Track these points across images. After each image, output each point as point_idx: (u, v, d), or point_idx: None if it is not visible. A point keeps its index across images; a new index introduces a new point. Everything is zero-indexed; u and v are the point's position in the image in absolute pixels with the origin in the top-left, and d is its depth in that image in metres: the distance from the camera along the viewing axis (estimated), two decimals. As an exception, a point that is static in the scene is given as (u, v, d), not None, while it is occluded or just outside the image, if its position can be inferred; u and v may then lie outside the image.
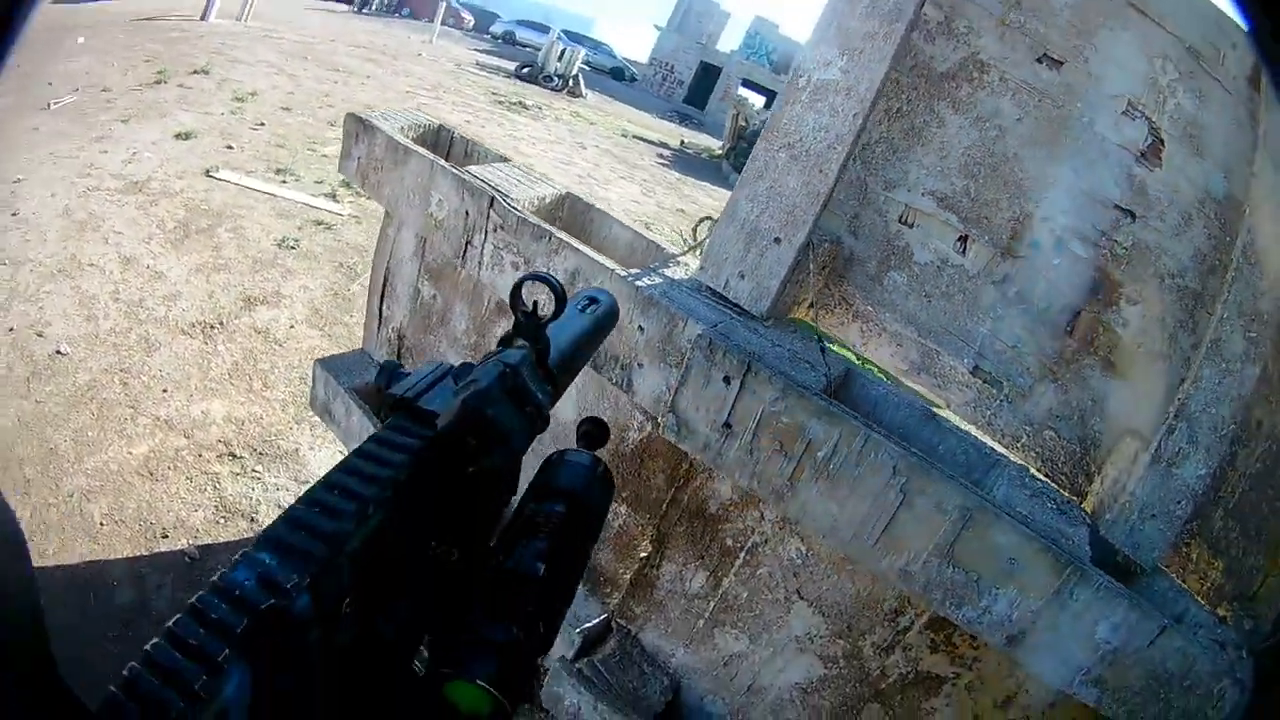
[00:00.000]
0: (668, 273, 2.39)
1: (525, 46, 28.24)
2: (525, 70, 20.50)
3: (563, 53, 20.71)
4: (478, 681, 0.48)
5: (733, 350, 1.99)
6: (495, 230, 2.65)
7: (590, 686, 2.62)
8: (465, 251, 2.79)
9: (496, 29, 31.57)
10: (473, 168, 3.03)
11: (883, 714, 2.47)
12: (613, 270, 2.30)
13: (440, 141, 3.69)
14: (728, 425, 2.03)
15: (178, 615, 0.35)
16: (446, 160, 3.21)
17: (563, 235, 2.47)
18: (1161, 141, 2.34)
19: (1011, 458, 2.45)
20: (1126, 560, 2.14)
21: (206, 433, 4.97)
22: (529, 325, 0.62)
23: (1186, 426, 2.12)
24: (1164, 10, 2.29)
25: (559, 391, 0.67)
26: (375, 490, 0.45)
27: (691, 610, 2.62)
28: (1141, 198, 2.36)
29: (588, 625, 2.70)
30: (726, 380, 2.00)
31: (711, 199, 14.25)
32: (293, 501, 0.43)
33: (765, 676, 2.59)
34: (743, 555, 2.47)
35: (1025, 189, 2.44)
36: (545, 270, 2.42)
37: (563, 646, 2.71)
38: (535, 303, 0.63)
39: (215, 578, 0.37)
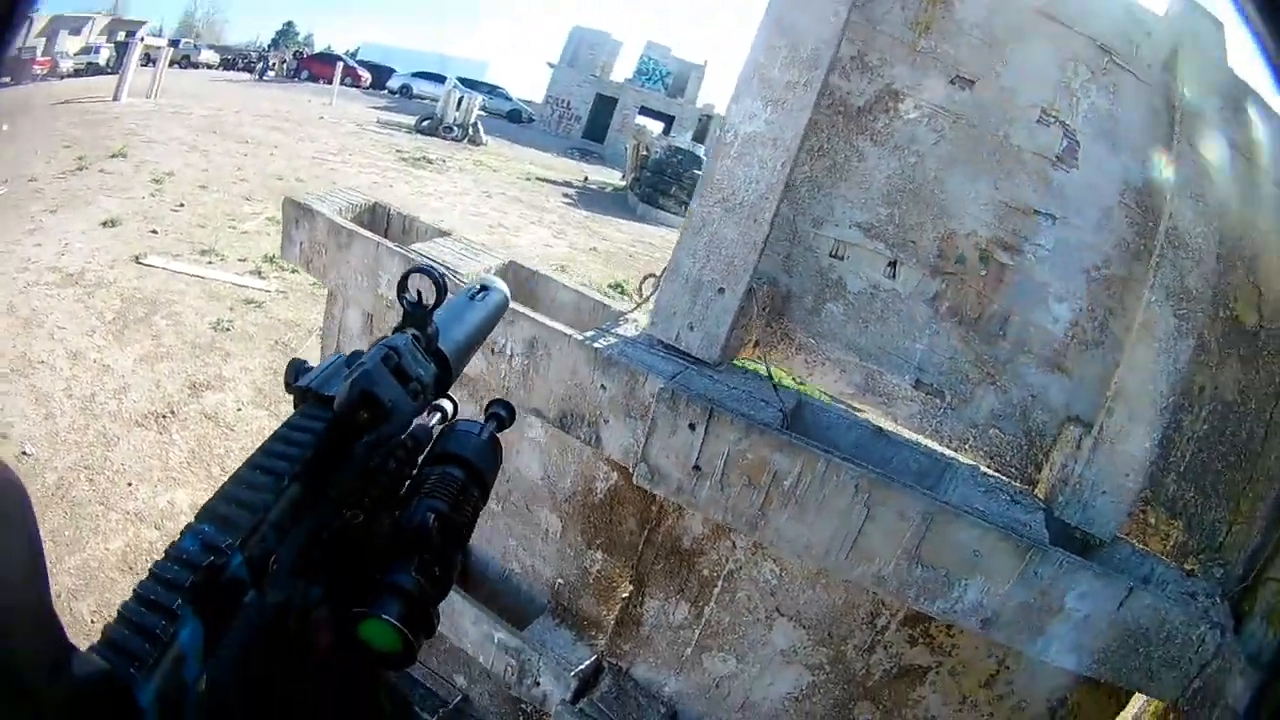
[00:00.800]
0: (620, 331, 2.53)
1: (423, 98, 28.25)
2: (425, 123, 20.56)
3: (460, 101, 20.80)
4: (384, 617, 0.56)
5: (694, 399, 2.14)
6: (449, 305, 2.75)
7: (592, 726, 2.72)
8: (422, 328, 2.87)
9: (393, 84, 31.57)
10: (416, 245, 3.13)
11: (873, 709, 2.62)
12: (569, 335, 2.43)
13: (377, 219, 3.76)
14: (697, 468, 2.17)
15: (141, 579, 0.45)
16: (386, 236, 3.30)
17: (518, 307, 2.58)
18: (1077, 142, 2.52)
19: (962, 459, 2.63)
20: (1085, 536, 2.34)
21: (175, 522, 4.92)
22: (415, 313, 0.72)
23: (1124, 405, 2.30)
24: (1073, 13, 2.44)
25: (453, 370, 0.77)
26: (288, 466, 0.54)
27: (678, 640, 2.74)
28: (1060, 199, 2.53)
29: (580, 668, 2.80)
30: (691, 427, 2.14)
31: (622, 233, 14.46)
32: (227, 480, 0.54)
33: (757, 692, 2.72)
34: (720, 583, 2.60)
35: (947, 208, 2.61)
36: (502, 344, 2.51)
37: (559, 690, 2.81)
38: (419, 292, 0.72)
39: (168, 546, 0.46)
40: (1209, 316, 2.42)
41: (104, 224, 8.41)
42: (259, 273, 8.52)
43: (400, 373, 0.66)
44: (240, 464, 0.56)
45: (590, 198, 18.24)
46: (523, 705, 3.05)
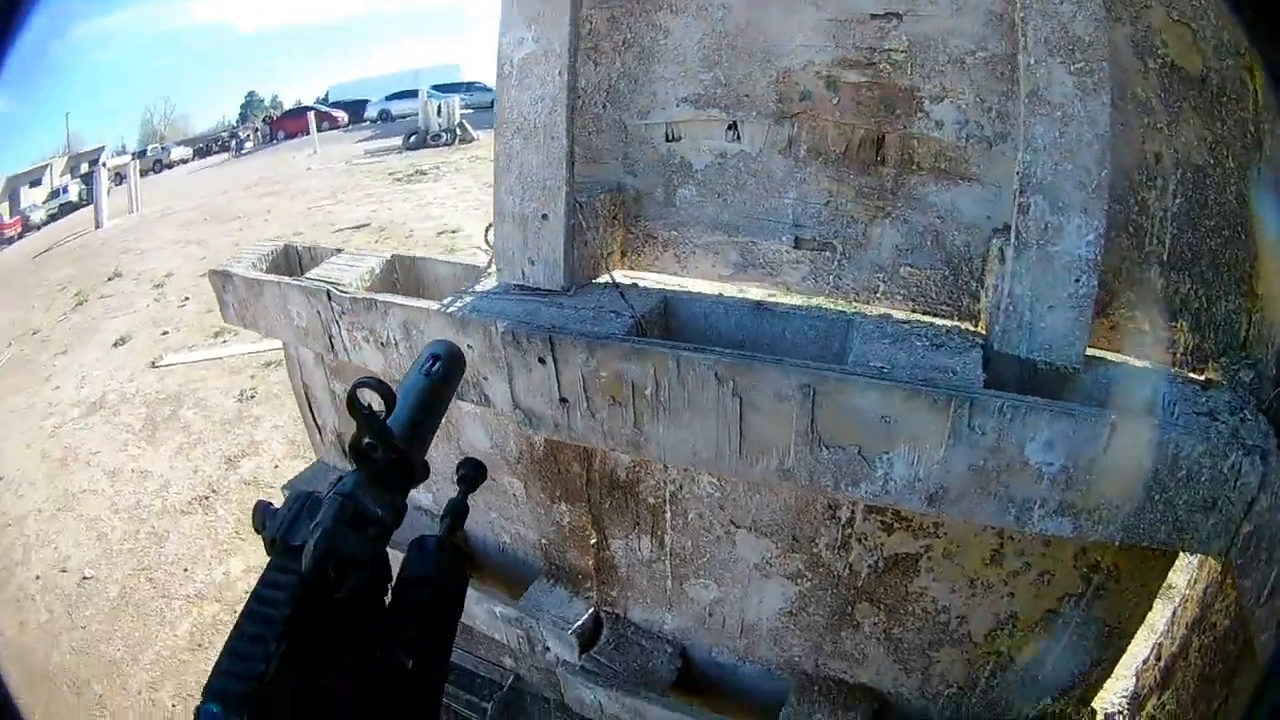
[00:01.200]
0: (479, 287, 2.45)
1: (404, 117, 28.16)
2: (412, 139, 20.61)
3: (439, 108, 20.72)
4: None
5: (534, 332, 2.05)
6: (341, 316, 2.74)
7: (600, 679, 2.71)
8: (332, 345, 2.88)
9: (370, 113, 31.71)
10: (313, 271, 3.13)
11: (874, 610, 2.45)
12: (428, 309, 2.38)
13: (290, 259, 3.78)
14: (563, 400, 2.09)
15: None
16: (301, 273, 3.31)
17: (383, 297, 2.56)
18: None
19: (870, 311, 2.38)
20: (1048, 366, 1.95)
21: (233, 590, 5.20)
22: (370, 427, 0.74)
23: (1042, 196, 1.91)
24: None
25: (415, 460, 0.79)
26: (270, 630, 0.60)
27: (655, 574, 2.69)
28: None
29: (578, 624, 2.79)
30: (541, 360, 2.06)
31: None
32: (221, 649, 0.60)
33: (749, 612, 2.64)
34: (668, 508, 2.53)
35: (773, 49, 2.37)
36: (385, 335, 2.48)
37: (565, 651, 2.81)
38: (369, 405, 0.74)
39: None
40: (1137, 71, 2.07)
41: (115, 344, 8.76)
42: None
43: (356, 520, 0.70)
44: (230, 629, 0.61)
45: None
46: (554, 673, 3.08)
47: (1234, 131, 1.90)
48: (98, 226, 13.92)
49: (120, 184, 15.82)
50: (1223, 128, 1.92)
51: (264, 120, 31.00)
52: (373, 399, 0.75)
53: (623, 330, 2.06)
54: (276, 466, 6.33)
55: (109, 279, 10.68)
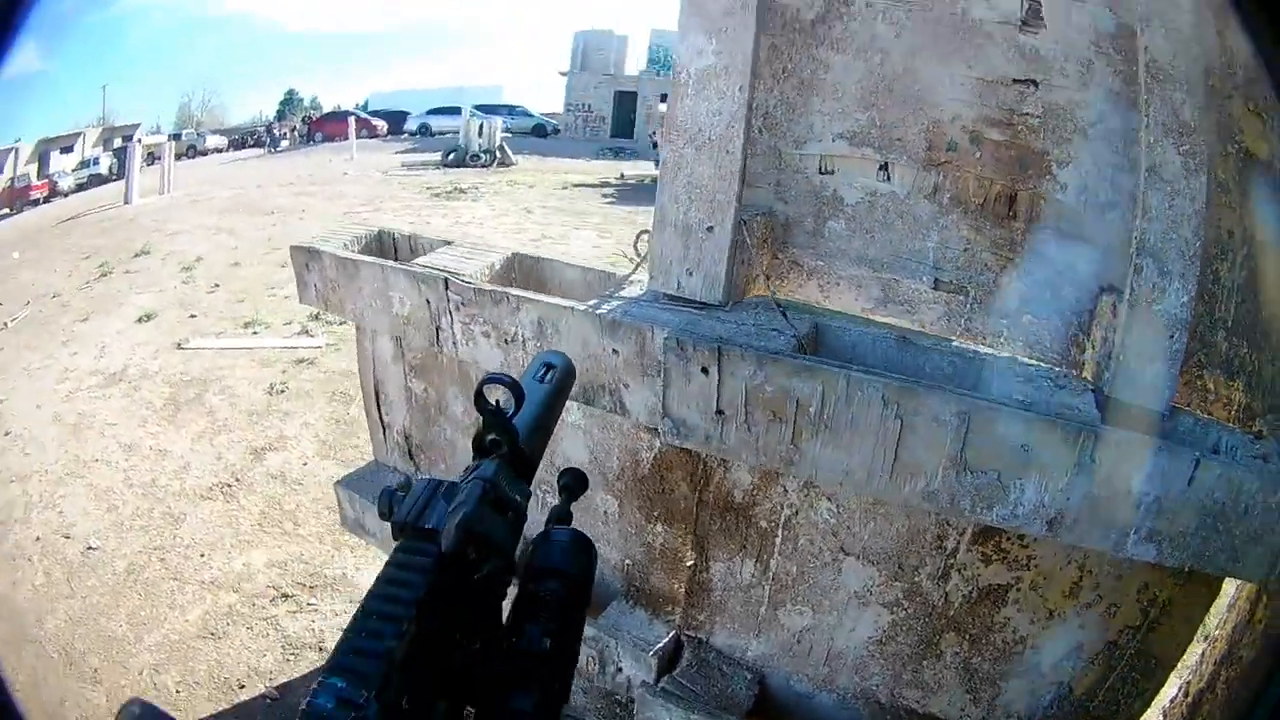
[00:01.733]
0: (624, 294, 2.48)
1: (444, 133, 28.33)
2: (451, 156, 20.72)
3: (480, 128, 20.90)
4: None
5: (701, 342, 2.07)
6: (458, 309, 2.74)
7: (678, 702, 2.66)
8: (438, 337, 2.87)
9: (411, 125, 31.81)
10: (420, 259, 3.13)
11: (959, 640, 2.50)
12: (572, 308, 2.39)
13: (384, 245, 3.79)
14: (720, 412, 2.10)
15: None
16: (395, 258, 3.32)
17: (517, 292, 2.56)
18: (1038, 2, 2.34)
19: (998, 354, 2.51)
20: (1140, 411, 2.12)
21: (253, 582, 5.05)
22: (496, 422, 0.74)
23: (1152, 260, 2.12)
24: None
25: (535, 462, 0.79)
26: (404, 610, 0.57)
27: (750, 600, 2.67)
28: (1037, 63, 2.37)
29: (658, 646, 2.75)
30: (705, 371, 2.08)
31: (667, 219, 14.40)
32: (346, 625, 0.56)
33: (839, 641, 2.63)
34: (780, 532, 2.52)
35: (925, 98, 2.48)
36: (512, 332, 2.49)
37: (641, 672, 2.76)
38: (497, 401, 0.74)
39: (303, 706, 0.48)
40: (1219, 154, 2.25)
41: (140, 320, 8.65)
42: (306, 331, 8.65)
43: (499, 504, 0.69)
44: (358, 603, 0.59)
45: (629, 192, 18.17)
46: (616, 697, 3.02)
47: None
48: (127, 202, 13.85)
49: (152, 164, 15.78)
50: (1280, 207, 2.21)
51: (303, 120, 31.04)
52: (500, 397, 0.75)
53: (788, 348, 2.08)
54: (305, 464, 6.23)
55: (136, 255, 10.60)
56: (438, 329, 2.85)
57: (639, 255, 2.49)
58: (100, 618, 4.71)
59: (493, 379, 0.74)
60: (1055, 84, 2.38)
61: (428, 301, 2.84)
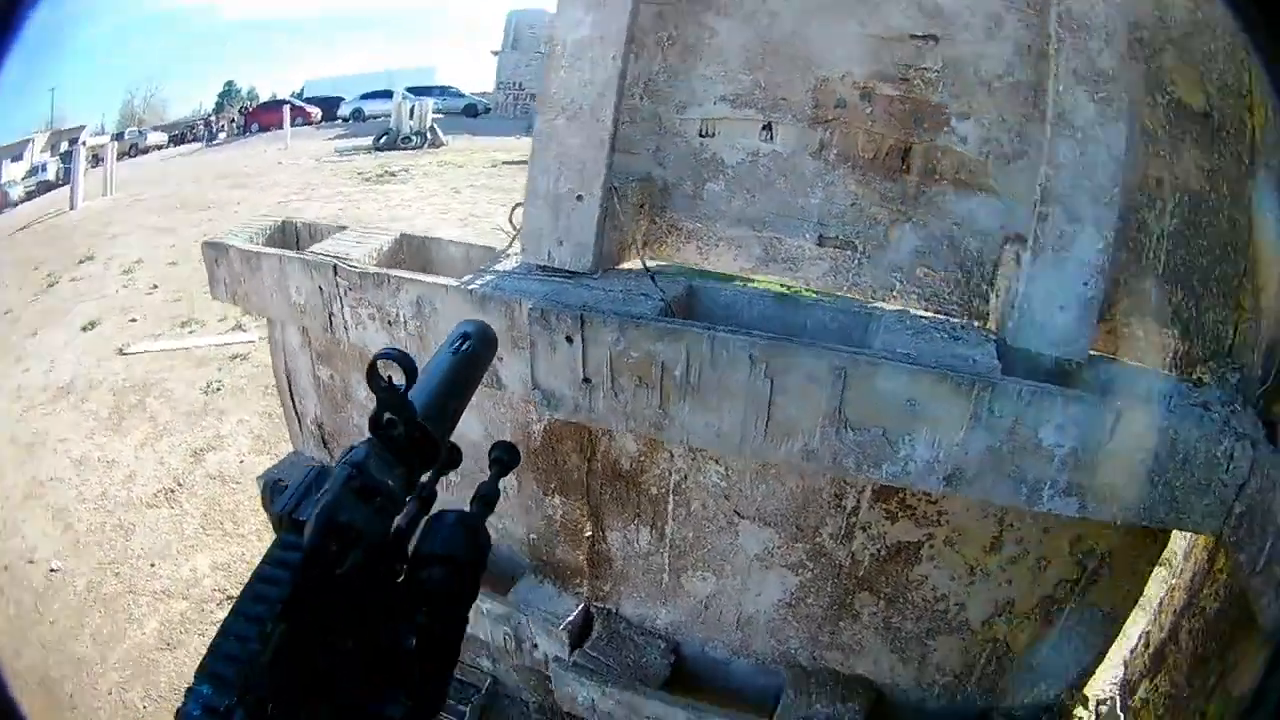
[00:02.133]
0: (499, 267, 2.43)
1: (376, 118, 27.82)
2: (383, 139, 20.37)
3: (412, 110, 20.58)
4: None
5: (564, 311, 2.03)
6: (347, 293, 2.69)
7: (592, 675, 2.65)
8: (331, 323, 2.82)
9: (344, 111, 31.14)
10: (314, 246, 3.07)
11: (874, 600, 2.48)
12: (447, 286, 2.34)
13: (288, 235, 3.72)
14: (587, 380, 2.07)
15: None
16: (297, 250, 3.25)
17: (398, 273, 2.52)
18: None
19: (888, 307, 2.47)
20: (1055, 361, 2.10)
21: (200, 587, 5.01)
22: (390, 400, 0.70)
23: (1060, 208, 2.08)
24: None
25: (442, 438, 0.76)
26: (268, 610, 0.55)
27: (651, 567, 2.65)
28: (938, 19, 2.34)
29: (568, 620, 2.73)
30: (569, 339, 2.04)
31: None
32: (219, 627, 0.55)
33: (747, 605, 2.62)
34: (671, 498, 2.51)
35: (814, 58, 2.46)
36: (394, 313, 2.42)
37: (555, 647, 2.74)
38: (389, 377, 0.70)
39: (176, 712, 0.49)
40: (1146, 103, 2.21)
41: (84, 328, 8.51)
42: (240, 326, 8.55)
43: (365, 491, 0.65)
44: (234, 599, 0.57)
45: (557, 167, 18.08)
46: (541, 672, 3.00)
47: (1230, 162, 2.10)
48: (72, 207, 13.55)
49: (96, 166, 15.42)
50: (1219, 159, 2.12)
51: (240, 111, 30.51)
52: (393, 372, 0.71)
53: (653, 312, 2.04)
54: (242, 461, 6.18)
55: (80, 261, 10.41)
56: (330, 315, 2.80)
57: (515, 228, 2.44)
58: (68, 640, 4.69)
59: (384, 354, 0.69)
60: (959, 39, 2.35)
61: (320, 288, 2.78)
